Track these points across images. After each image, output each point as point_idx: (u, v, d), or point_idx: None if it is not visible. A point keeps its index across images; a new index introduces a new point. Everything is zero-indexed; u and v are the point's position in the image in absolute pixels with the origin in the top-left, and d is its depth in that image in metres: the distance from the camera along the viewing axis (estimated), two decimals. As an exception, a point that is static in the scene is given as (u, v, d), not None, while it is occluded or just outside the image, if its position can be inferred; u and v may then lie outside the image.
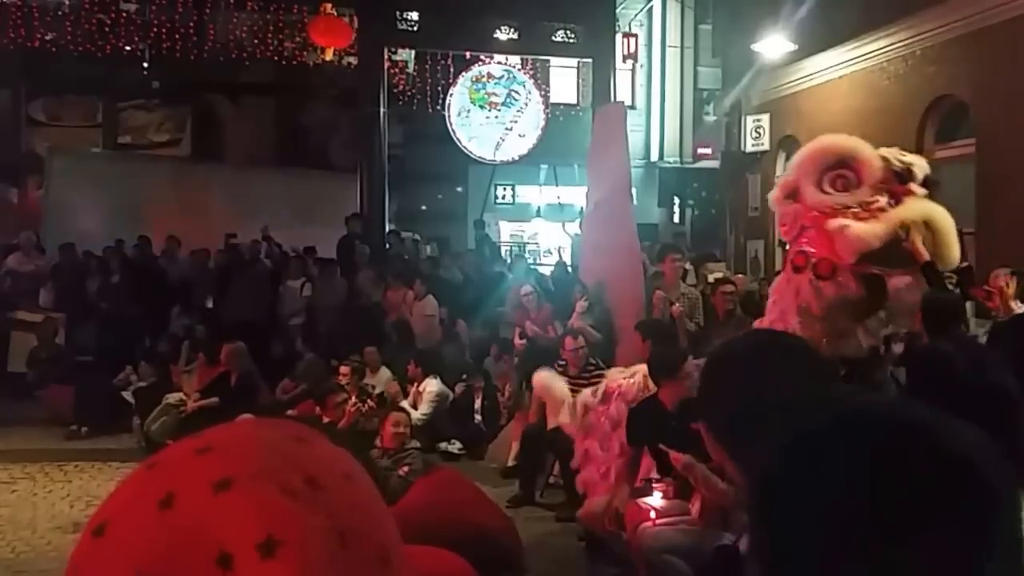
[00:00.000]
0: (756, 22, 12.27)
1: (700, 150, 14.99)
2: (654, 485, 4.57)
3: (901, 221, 3.98)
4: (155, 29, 13.55)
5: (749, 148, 13.25)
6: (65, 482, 6.87)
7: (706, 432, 1.33)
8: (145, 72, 14.19)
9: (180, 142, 15.30)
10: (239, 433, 0.73)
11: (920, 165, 4.43)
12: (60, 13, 13.53)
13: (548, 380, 6.08)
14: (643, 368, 5.21)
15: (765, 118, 13.05)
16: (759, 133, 13.09)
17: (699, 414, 1.37)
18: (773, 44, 11.87)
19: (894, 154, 4.31)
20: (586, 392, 5.52)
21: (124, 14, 13.52)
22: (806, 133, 12.42)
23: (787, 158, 13.24)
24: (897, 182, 4.20)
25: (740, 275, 10.10)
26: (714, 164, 14.68)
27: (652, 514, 4.43)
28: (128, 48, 13.76)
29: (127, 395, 8.52)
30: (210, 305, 10.59)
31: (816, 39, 11.43)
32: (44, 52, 13.30)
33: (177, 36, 13.44)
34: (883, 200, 4.13)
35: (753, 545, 0.75)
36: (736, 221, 13.86)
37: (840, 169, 4.25)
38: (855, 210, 4.09)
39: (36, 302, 10.17)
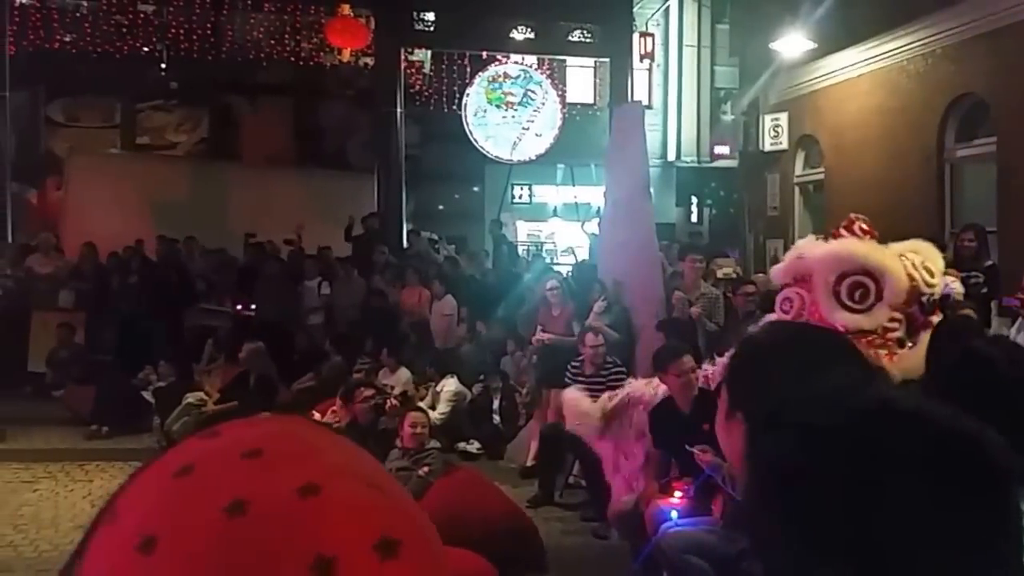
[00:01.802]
0: (774, 21, 12.18)
1: (717, 149, 14.91)
2: (673, 484, 4.56)
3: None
4: (173, 30, 13.63)
5: (767, 147, 13.17)
6: (86, 482, 6.92)
7: (734, 424, 1.29)
8: (163, 73, 14.28)
9: (198, 143, 15.39)
10: (283, 432, 0.67)
11: (957, 289, 4.16)
12: (79, 15, 13.63)
13: (577, 402, 5.62)
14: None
15: (783, 117, 12.96)
16: (777, 132, 13.01)
17: (736, 405, 1.32)
18: (791, 42, 11.77)
19: (924, 276, 3.98)
20: (603, 397, 5.49)
21: (142, 15, 13.60)
22: (825, 132, 12.35)
23: (806, 157, 13.18)
24: (919, 311, 3.95)
25: (760, 275, 10.03)
26: (732, 163, 14.61)
27: (674, 514, 4.41)
28: (146, 49, 13.85)
29: (147, 395, 8.57)
30: (230, 305, 10.63)
31: (835, 37, 11.33)
32: (63, 54, 13.40)
33: (195, 37, 13.50)
34: (901, 330, 3.89)
35: (758, 539, 0.74)
36: (755, 221, 13.78)
37: (863, 277, 3.94)
38: (870, 337, 3.83)
39: (55, 302, 10.24)
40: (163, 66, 14.06)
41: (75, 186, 12.96)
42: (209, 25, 13.54)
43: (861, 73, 11.37)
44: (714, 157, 15.11)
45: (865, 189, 10.94)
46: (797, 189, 13.14)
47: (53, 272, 10.34)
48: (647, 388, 5.22)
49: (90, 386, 8.67)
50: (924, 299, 3.96)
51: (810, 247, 4.28)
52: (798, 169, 13.11)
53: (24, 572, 5.08)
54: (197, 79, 14.41)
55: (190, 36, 13.50)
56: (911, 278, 3.96)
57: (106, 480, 6.94)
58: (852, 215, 4.56)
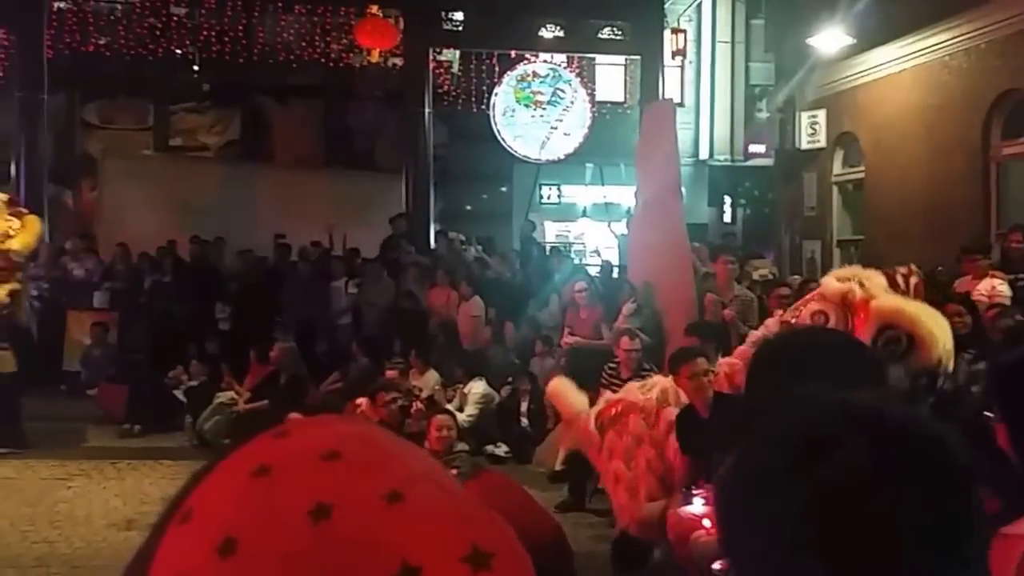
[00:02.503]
0: (811, 15, 11.97)
1: (752, 148, 14.72)
2: (695, 492, 4.49)
3: None
4: (205, 32, 13.76)
5: (804, 145, 12.95)
6: (119, 480, 6.99)
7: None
8: (195, 75, 14.43)
9: (229, 144, 15.54)
10: (357, 434, 0.66)
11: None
12: (112, 17, 13.81)
13: (562, 388, 5.54)
14: (662, 381, 5.11)
15: (821, 114, 12.73)
16: (815, 129, 12.78)
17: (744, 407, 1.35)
18: (829, 38, 11.57)
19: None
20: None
21: (175, 18, 13.75)
22: (865, 129, 12.12)
23: (845, 155, 12.95)
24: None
25: (796, 276, 9.87)
26: (767, 162, 14.40)
27: (706, 522, 4.34)
28: (179, 51, 14.00)
29: (179, 394, 8.65)
30: (256, 305, 10.70)
31: (875, 32, 11.12)
32: (98, 56, 13.60)
33: (226, 39, 13.63)
34: None
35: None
36: (791, 221, 13.56)
37: (903, 333, 4.04)
38: None
39: (89, 302, 10.39)
40: (195, 68, 14.21)
41: (109, 188, 13.16)
42: (241, 27, 13.66)
43: (902, 69, 11.15)
44: (748, 156, 14.93)
45: (907, 189, 10.73)
46: (835, 188, 12.92)
47: (88, 273, 10.49)
48: (641, 393, 5.12)
49: (123, 385, 8.78)
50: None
51: (877, 285, 4.45)
52: (836, 168, 12.87)
53: (60, 568, 5.15)
54: (229, 81, 14.55)
55: (222, 38, 13.62)
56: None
57: (138, 478, 7.01)
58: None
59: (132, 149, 14.95)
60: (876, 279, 4.54)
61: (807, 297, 4.94)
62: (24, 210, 7.61)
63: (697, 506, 4.35)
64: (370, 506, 0.58)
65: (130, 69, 13.82)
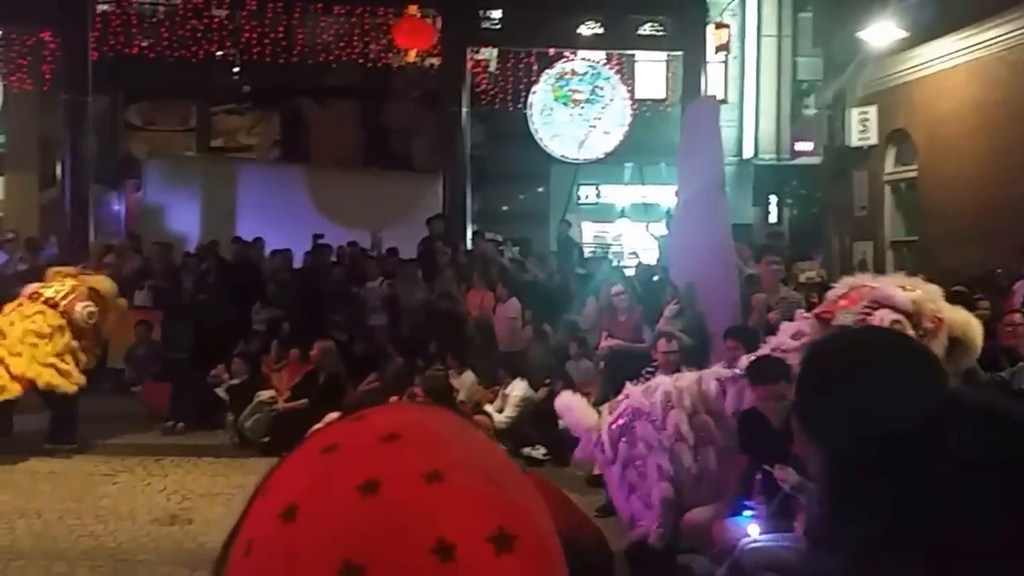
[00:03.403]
0: (861, 8, 11.70)
1: (799, 145, 14.41)
2: (745, 504, 4.39)
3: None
4: (246, 34, 13.92)
5: (854, 142, 12.66)
6: (162, 476, 7.08)
7: (800, 428, 1.26)
8: (236, 77, 14.61)
9: (269, 145, 15.72)
10: (422, 420, 0.71)
11: None
12: (155, 20, 14.04)
13: (570, 403, 5.26)
14: (664, 383, 4.96)
15: (872, 110, 12.43)
16: (865, 126, 12.49)
17: (797, 408, 1.31)
18: (881, 31, 11.29)
19: None
20: (605, 411, 5.12)
21: (216, 20, 13.93)
22: (918, 126, 11.81)
23: (897, 153, 12.63)
24: None
25: (847, 279, 9.62)
26: (814, 160, 14.10)
27: (754, 529, 4.25)
28: (220, 53, 14.19)
29: (220, 392, 8.74)
30: (297, 304, 10.78)
31: (929, 25, 10.83)
32: (141, 59, 13.84)
33: (267, 41, 13.77)
34: None
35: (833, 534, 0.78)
36: (840, 221, 13.26)
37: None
38: None
39: (132, 301, 10.53)
40: (236, 70, 14.39)
41: (153, 188, 13.38)
42: (281, 29, 13.79)
43: (957, 63, 10.85)
44: (795, 154, 14.61)
45: (963, 187, 10.45)
46: (887, 187, 12.62)
47: (131, 272, 10.65)
48: (646, 397, 4.98)
49: (166, 383, 8.90)
50: None
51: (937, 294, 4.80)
52: (888, 166, 12.57)
53: (105, 561, 5.22)
54: (269, 82, 14.72)
55: (262, 40, 13.77)
56: None
57: (181, 475, 7.09)
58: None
59: (174, 150, 15.20)
60: (934, 288, 4.88)
61: (847, 296, 4.93)
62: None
63: (746, 518, 4.26)
64: (411, 484, 0.62)
65: (172, 71, 14.04)
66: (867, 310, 4.71)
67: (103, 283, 7.90)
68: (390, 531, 0.60)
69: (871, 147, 12.55)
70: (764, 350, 5.09)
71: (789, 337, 4.99)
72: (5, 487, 6.49)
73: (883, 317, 4.54)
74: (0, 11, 12.13)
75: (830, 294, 5.24)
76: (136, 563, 5.19)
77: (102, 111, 13.60)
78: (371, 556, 0.59)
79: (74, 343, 7.48)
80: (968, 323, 4.62)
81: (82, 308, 7.45)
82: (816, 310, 5.20)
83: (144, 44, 13.80)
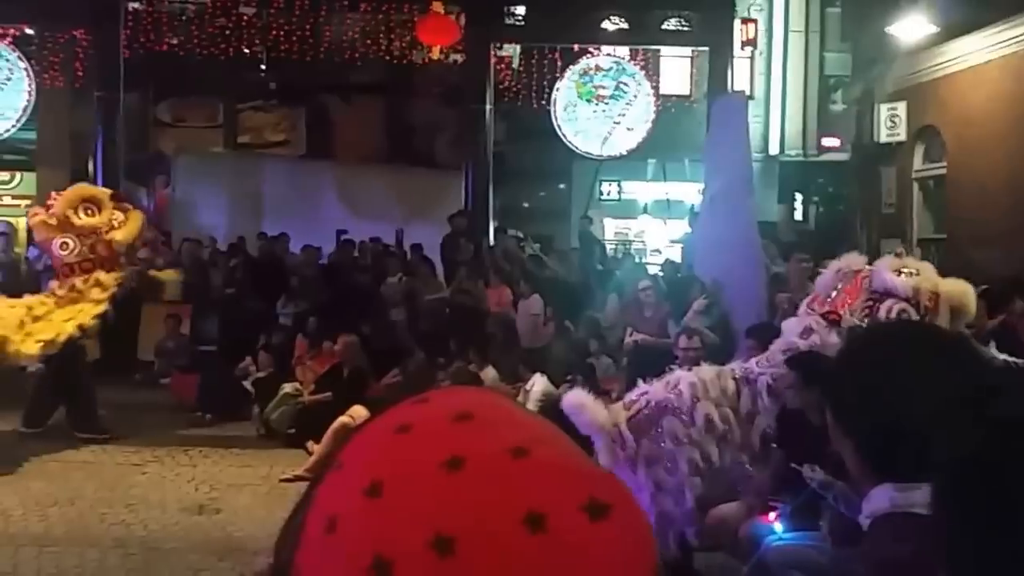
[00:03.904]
0: (891, 3, 11.57)
1: (826, 141, 14.26)
2: (772, 504, 4.40)
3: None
4: (273, 32, 14.07)
5: (883, 138, 12.53)
6: (190, 466, 7.21)
7: (833, 423, 1.26)
8: (263, 74, 14.76)
9: (295, 142, 15.88)
10: (489, 400, 0.73)
11: None
12: (185, 18, 14.23)
13: (580, 401, 4.80)
14: (686, 376, 4.85)
15: (901, 106, 12.30)
16: (894, 122, 12.36)
17: (830, 403, 1.29)
18: (911, 26, 11.16)
19: None
20: (617, 408, 4.85)
21: (244, 18, 14.09)
22: (948, 122, 11.67)
23: (926, 149, 12.49)
24: None
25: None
26: (841, 157, 13.95)
27: (778, 528, 4.26)
28: (247, 51, 14.35)
29: (247, 384, 8.88)
30: (321, 299, 10.91)
31: (960, 20, 10.69)
32: (170, 56, 14.04)
33: (294, 39, 13.91)
34: None
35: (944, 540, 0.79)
36: (868, 218, 13.14)
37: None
38: None
39: (163, 295, 10.72)
40: (263, 67, 14.54)
41: (182, 184, 13.58)
42: (308, 26, 13.92)
43: (989, 59, 10.70)
44: (822, 150, 14.46)
45: (993, 185, 10.31)
46: (916, 184, 12.49)
47: (165, 265, 10.82)
48: (667, 391, 4.82)
49: (195, 375, 9.06)
50: None
51: (931, 270, 4.98)
52: (917, 163, 12.43)
53: (137, 549, 5.33)
54: (295, 80, 14.86)
55: (290, 38, 13.91)
56: None
57: (209, 465, 7.22)
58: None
59: (202, 147, 15.40)
60: (925, 265, 5.06)
61: (844, 290, 5.02)
62: (128, 205, 8.00)
63: (770, 517, 4.26)
64: (498, 459, 0.64)
65: (201, 69, 14.22)
66: (870, 303, 4.77)
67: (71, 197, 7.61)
68: (479, 504, 0.62)
69: (900, 143, 12.41)
70: (774, 349, 5.08)
71: (797, 336, 5.00)
72: (39, 476, 6.64)
73: (890, 308, 4.62)
74: (34, 10, 12.38)
75: (820, 283, 5.31)
76: (166, 551, 5.29)
77: (132, 108, 13.80)
78: (461, 528, 0.61)
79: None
80: (964, 292, 4.76)
81: (57, 244, 7.36)
82: (821, 310, 5.18)
83: (174, 42, 13.99)
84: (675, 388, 4.79)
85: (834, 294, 5.06)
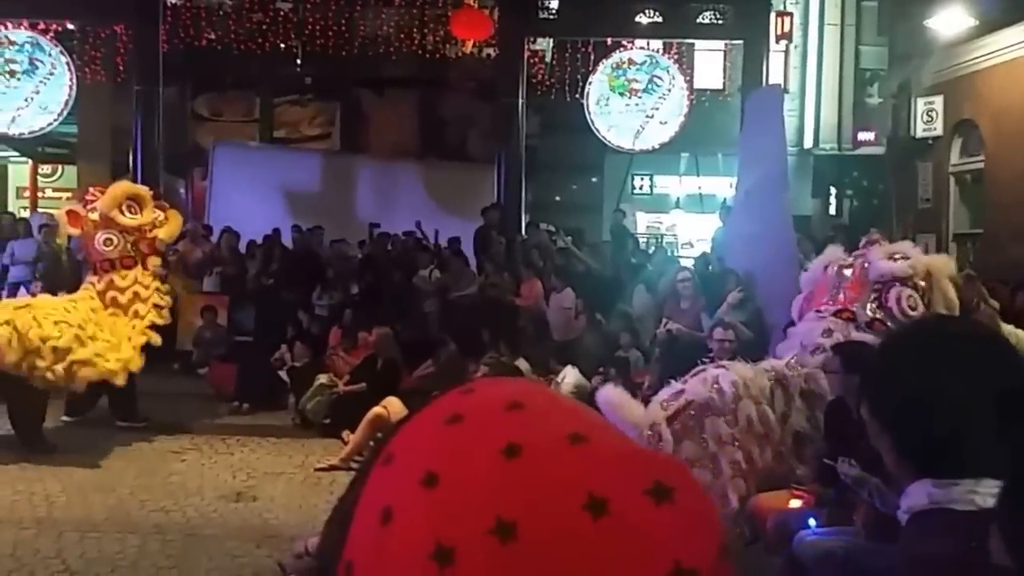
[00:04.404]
0: (930, -4, 11.38)
1: (861, 136, 14.06)
2: (794, 492, 4.37)
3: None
4: (309, 27, 14.20)
5: (919, 133, 12.35)
6: (228, 454, 7.34)
7: (871, 419, 1.25)
8: (298, 69, 14.91)
9: (329, 136, 16.02)
10: (535, 390, 0.74)
11: None
12: (223, 13, 14.41)
13: (616, 399, 4.69)
14: (724, 374, 4.78)
15: (938, 100, 12.10)
16: (931, 117, 12.17)
17: (868, 399, 1.28)
18: (949, 19, 10.96)
19: None
20: (654, 409, 4.70)
21: (281, 13, 14.23)
22: (987, 116, 11.45)
23: (963, 144, 12.27)
24: None
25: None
26: (876, 151, 13.76)
27: (812, 522, 4.24)
28: (283, 46, 14.49)
29: (283, 374, 9.00)
30: (354, 291, 11.02)
31: (999, 13, 10.50)
32: (208, 51, 14.23)
33: (330, 33, 14.03)
34: None
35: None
36: (903, 213, 12.96)
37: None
38: None
39: (201, 286, 10.90)
40: (299, 62, 14.68)
41: (219, 177, 13.78)
42: (343, 21, 14.02)
43: (1029, 53, 10.49)
44: (856, 144, 14.27)
45: (1032, 180, 10.09)
46: (952, 179, 12.28)
47: (200, 258, 11.00)
48: (708, 390, 4.74)
49: (232, 365, 9.20)
50: None
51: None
52: (954, 157, 12.22)
53: (175, 535, 5.42)
54: (330, 74, 14.97)
55: (325, 32, 14.03)
56: None
57: (246, 454, 7.35)
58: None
59: (239, 140, 15.59)
60: (906, 245, 5.42)
61: (848, 287, 5.20)
62: (166, 204, 8.20)
63: (793, 503, 4.24)
64: (555, 446, 0.64)
65: (238, 63, 14.40)
66: (876, 292, 4.93)
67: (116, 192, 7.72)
68: (539, 490, 0.62)
69: (936, 138, 12.21)
70: (803, 352, 5.05)
71: (820, 336, 5.01)
72: (81, 463, 6.78)
73: (898, 294, 4.87)
74: (76, 6, 12.62)
75: (806, 279, 5.59)
76: (204, 537, 5.37)
77: (171, 102, 14.01)
78: (522, 513, 0.61)
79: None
80: (947, 262, 5.21)
81: (100, 240, 7.50)
82: (832, 309, 5.20)
83: (212, 37, 14.19)
84: (715, 386, 4.74)
85: (838, 293, 5.13)
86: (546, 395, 0.73)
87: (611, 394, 4.75)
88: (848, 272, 5.30)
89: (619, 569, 0.61)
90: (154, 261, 7.73)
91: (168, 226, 7.86)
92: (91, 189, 8.02)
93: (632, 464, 0.65)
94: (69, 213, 7.64)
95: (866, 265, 5.14)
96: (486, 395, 0.72)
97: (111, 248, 7.49)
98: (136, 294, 7.50)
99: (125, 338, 7.25)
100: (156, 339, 7.46)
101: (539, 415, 0.68)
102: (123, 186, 8.07)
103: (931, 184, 12.44)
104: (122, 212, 7.52)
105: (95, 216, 7.51)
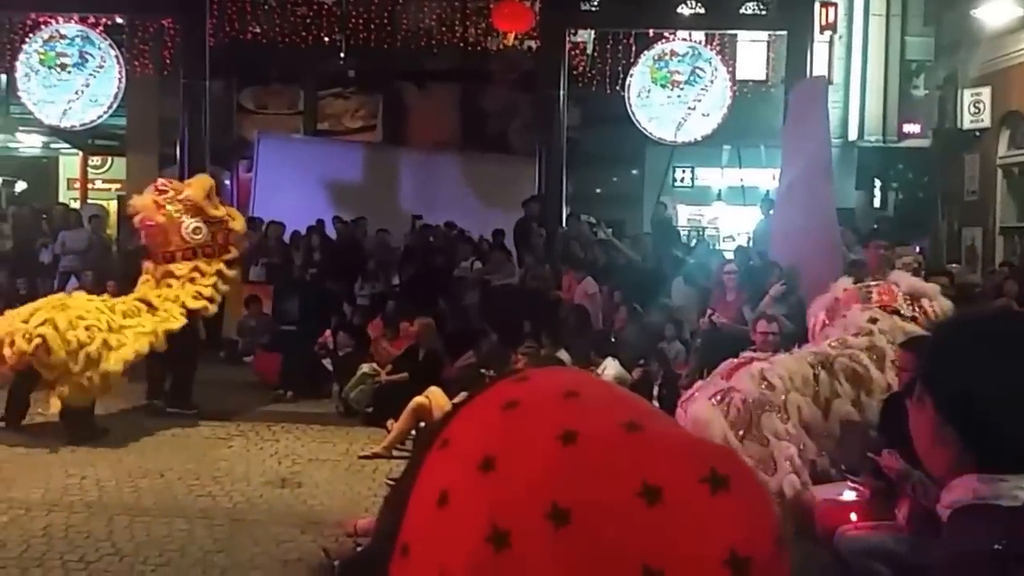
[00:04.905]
0: (975, -14, 11.11)
1: (906, 127, 13.79)
2: (849, 484, 4.30)
3: None
4: (352, 20, 14.31)
5: (966, 125, 12.04)
6: (273, 441, 7.44)
7: (925, 410, 1.23)
8: (341, 62, 15.04)
9: (372, 128, 16.15)
10: (589, 380, 0.75)
11: None
12: (267, 7, 14.58)
13: (707, 416, 4.53)
14: (770, 369, 4.73)
15: (986, 91, 11.79)
16: (979, 108, 11.86)
17: (930, 390, 1.24)
18: (996, 9, 10.68)
19: None
20: (702, 405, 4.60)
21: (324, 7, 14.37)
22: (1036, 108, 11.14)
23: (1011, 136, 11.95)
24: None
25: (955, 265, 9.23)
26: (922, 143, 13.47)
27: (853, 516, 4.18)
28: (327, 39, 14.63)
29: (326, 363, 9.12)
30: (396, 282, 11.13)
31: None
32: (254, 44, 14.42)
33: (372, 27, 14.12)
34: None
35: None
36: (949, 206, 12.68)
37: None
38: None
39: (247, 276, 11.07)
40: (342, 55, 14.81)
41: (264, 169, 13.98)
42: (386, 15, 14.11)
43: (1079, 43, 10.18)
44: (902, 136, 13.99)
45: (1080, 173, 9.80)
46: (1000, 171, 11.96)
47: (246, 249, 11.18)
48: (758, 386, 4.67)
49: (276, 353, 9.34)
50: None
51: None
52: (1002, 149, 11.90)
53: (222, 520, 5.51)
54: (372, 67, 15.09)
55: (368, 26, 14.13)
56: None
57: (291, 440, 7.45)
58: None
59: (283, 133, 15.80)
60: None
61: (880, 290, 5.38)
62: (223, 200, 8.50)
63: (848, 495, 4.18)
64: (611, 433, 0.65)
65: (283, 57, 14.57)
66: (909, 300, 5.22)
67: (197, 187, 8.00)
68: (594, 476, 0.63)
69: (983, 130, 11.91)
70: (845, 334, 5.00)
71: (866, 321, 5.00)
72: (131, 449, 6.94)
73: (931, 303, 5.21)
74: (125, 0, 12.87)
75: (827, 302, 5.81)
76: (250, 522, 5.45)
77: (217, 95, 14.23)
78: (577, 499, 0.62)
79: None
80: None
81: (190, 228, 7.73)
82: (875, 302, 5.34)
83: (257, 31, 14.37)
84: (764, 382, 4.70)
85: (876, 296, 5.34)
86: (601, 384, 0.74)
87: (704, 411, 4.59)
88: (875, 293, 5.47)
89: (674, 556, 0.61)
90: (231, 255, 7.96)
91: (239, 219, 8.12)
92: (161, 180, 8.23)
93: (687, 452, 0.65)
94: (151, 202, 7.77)
95: (894, 283, 5.45)
96: (542, 383, 0.72)
97: (199, 236, 7.73)
98: (192, 280, 7.66)
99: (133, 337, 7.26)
100: (160, 344, 7.40)
101: (595, 403, 0.69)
102: (206, 179, 8.29)
103: (978, 177, 12.14)
104: (211, 202, 7.77)
105: (175, 206, 7.68)
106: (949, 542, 1.19)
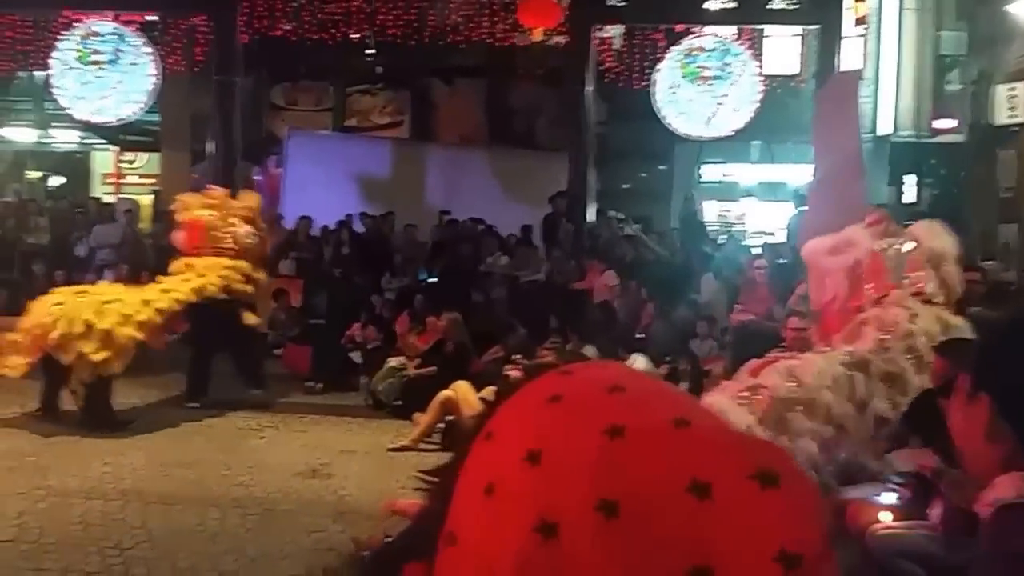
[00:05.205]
0: (1013, -21, 10.90)
1: (939, 123, 13.57)
2: (891, 484, 4.25)
3: None
4: (380, 17, 14.39)
5: (1001, 120, 11.84)
6: (303, 432, 7.52)
7: (976, 407, 1.21)
8: (370, 59, 15.13)
9: (400, 124, 16.26)
10: (633, 374, 0.73)
11: None
12: (297, 4, 14.71)
13: (721, 406, 4.37)
14: (800, 367, 4.67)
15: (1020, 87, 11.58)
16: (1014, 104, 11.65)
17: (989, 391, 1.25)
18: (1032, 3, 10.48)
19: None
20: (719, 396, 4.50)
21: (352, 4, 14.46)
22: (1072, 103, 10.91)
23: (1047, 131, 11.72)
24: None
25: (990, 262, 9.09)
26: (955, 138, 13.26)
27: (884, 516, 4.13)
28: (355, 36, 14.72)
29: (355, 356, 9.21)
30: (423, 276, 11.20)
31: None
32: (283, 42, 14.55)
33: (400, 23, 14.19)
34: None
35: None
36: (983, 203, 12.47)
37: None
38: None
39: (277, 270, 11.20)
40: (370, 52, 14.90)
41: (293, 164, 14.13)
42: (413, 11, 14.17)
43: (1116, 37, 9.95)
44: (935, 131, 13.77)
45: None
46: (1035, 168, 11.75)
47: (277, 243, 11.31)
48: (788, 384, 4.61)
49: (306, 346, 9.44)
50: None
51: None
52: (1037, 145, 11.69)
53: (255, 509, 5.56)
54: (400, 63, 15.17)
55: (396, 23, 14.20)
56: None
57: (321, 432, 7.53)
58: None
59: (312, 129, 15.96)
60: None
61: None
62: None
63: (889, 498, 4.12)
64: (659, 429, 0.64)
65: (312, 53, 14.69)
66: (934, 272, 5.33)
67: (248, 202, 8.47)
68: (643, 471, 0.63)
69: (1018, 125, 11.70)
70: (880, 331, 4.95)
71: (907, 321, 4.99)
72: (165, 439, 7.05)
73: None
74: (159, -2, 13.07)
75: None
76: (281, 512, 5.50)
77: (248, 91, 14.39)
78: (625, 493, 0.63)
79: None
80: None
81: (249, 231, 8.17)
82: (910, 291, 5.37)
83: (287, 27, 14.51)
84: (794, 379, 4.68)
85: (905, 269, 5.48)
86: (645, 379, 0.74)
87: (718, 402, 4.50)
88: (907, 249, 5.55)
89: (724, 551, 0.61)
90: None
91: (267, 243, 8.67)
92: (210, 186, 8.71)
93: (735, 449, 0.65)
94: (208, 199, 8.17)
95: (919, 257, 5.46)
96: (586, 377, 0.73)
97: (251, 242, 8.15)
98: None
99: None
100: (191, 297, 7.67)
101: (641, 398, 0.69)
102: (254, 195, 8.88)
103: (1013, 173, 11.93)
104: (260, 215, 8.37)
105: (229, 213, 8.12)
106: (993, 539, 1.19)
